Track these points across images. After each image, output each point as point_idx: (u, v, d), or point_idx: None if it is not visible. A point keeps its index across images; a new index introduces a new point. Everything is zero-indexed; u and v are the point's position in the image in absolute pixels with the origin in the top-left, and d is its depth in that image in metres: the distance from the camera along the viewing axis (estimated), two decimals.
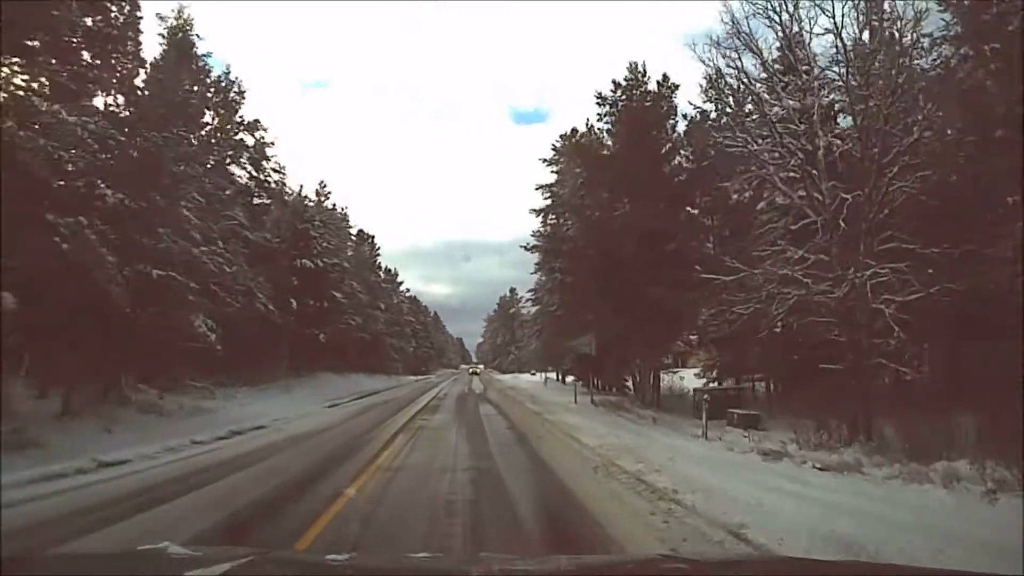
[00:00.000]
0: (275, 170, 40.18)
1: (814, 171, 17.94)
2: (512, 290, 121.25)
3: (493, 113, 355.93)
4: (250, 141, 38.84)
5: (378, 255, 65.95)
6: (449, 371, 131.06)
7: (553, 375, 65.70)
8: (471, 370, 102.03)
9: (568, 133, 48.63)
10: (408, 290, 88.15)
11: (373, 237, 66.01)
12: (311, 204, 46.14)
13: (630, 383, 41.53)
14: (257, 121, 39.09)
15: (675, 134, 32.53)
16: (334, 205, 59.40)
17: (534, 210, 50.30)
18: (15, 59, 15.45)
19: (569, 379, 56.16)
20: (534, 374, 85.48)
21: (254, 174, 39.45)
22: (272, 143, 40.01)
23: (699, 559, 4.41)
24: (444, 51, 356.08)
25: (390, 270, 77.81)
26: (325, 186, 54.84)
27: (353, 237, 63.99)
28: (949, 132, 18.26)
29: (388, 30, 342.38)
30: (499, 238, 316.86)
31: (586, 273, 31.53)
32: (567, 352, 42.98)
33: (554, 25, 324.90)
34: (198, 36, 32.72)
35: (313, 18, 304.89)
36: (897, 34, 17.22)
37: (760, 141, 19.21)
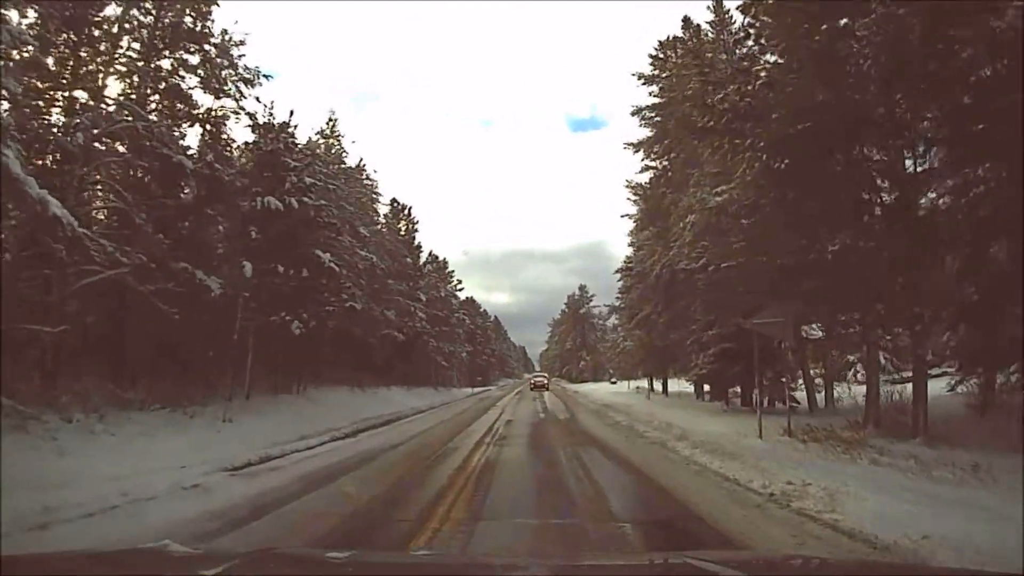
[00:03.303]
0: (245, 80, 25.08)
1: None
2: (582, 287, 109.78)
3: (549, 122, 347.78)
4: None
5: (416, 231, 50.73)
6: (511, 381, 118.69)
7: (644, 383, 51.68)
8: (533, 380, 78.36)
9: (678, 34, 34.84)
10: (461, 285, 72.18)
11: (409, 208, 50.76)
12: (308, 144, 30.97)
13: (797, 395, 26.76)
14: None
15: None
16: (360, 162, 44.73)
17: (630, 144, 38.72)
18: None
19: (676, 388, 42.45)
20: (614, 382, 71.85)
21: (213, 83, 24.46)
22: (242, 41, 24.94)
23: (702, 559, 3.31)
24: (499, 61, 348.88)
25: (437, 257, 62.38)
26: (334, 124, 40.07)
27: (386, 212, 49.25)
28: None
29: (438, 42, 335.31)
30: (558, 247, 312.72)
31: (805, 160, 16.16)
32: (707, 344, 27.85)
33: (608, 30, 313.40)
34: None
35: (365, 31, 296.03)
36: None
37: None
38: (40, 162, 18.27)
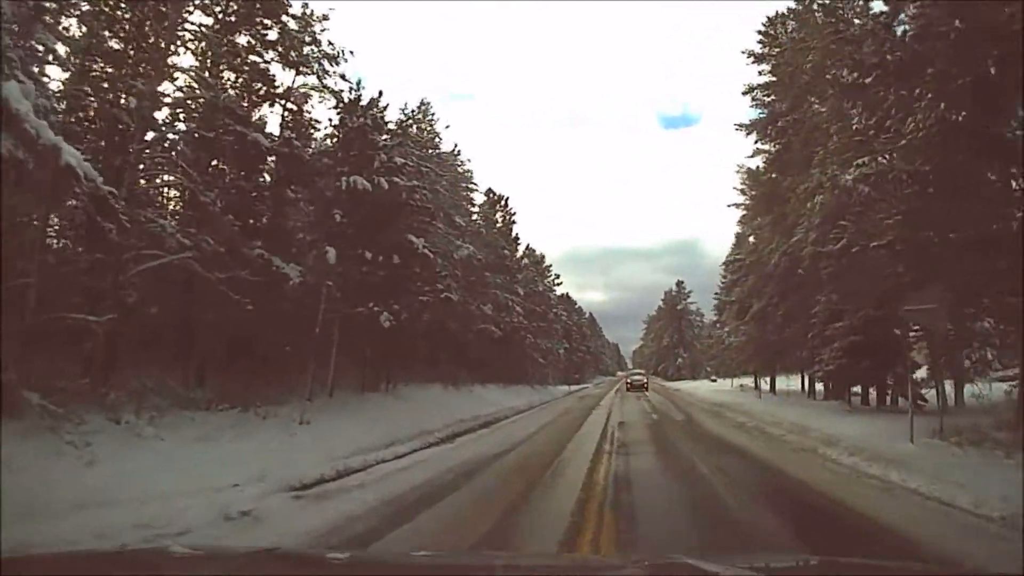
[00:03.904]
0: (329, 56, 22.67)
1: None
2: (680, 283, 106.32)
3: (639, 120, 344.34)
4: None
5: (514, 223, 48.04)
6: (606, 379, 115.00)
7: (747, 381, 49.56)
8: (630, 379, 64.77)
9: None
10: (560, 279, 69.02)
11: (506, 199, 48.07)
12: (400, 124, 28.47)
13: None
14: None
15: None
16: (455, 148, 42.46)
17: (741, 125, 35.61)
18: None
19: (781, 386, 39.93)
20: (714, 380, 69.14)
21: (292, 56, 22.13)
22: (325, 16, 22.44)
23: (704, 559, 3.24)
24: (589, 60, 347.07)
25: (534, 250, 59.26)
26: (427, 108, 37.67)
27: (482, 202, 46.80)
28: None
29: (531, 43, 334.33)
30: (651, 244, 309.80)
31: None
32: (831, 338, 24.34)
33: (699, 25, 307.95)
34: None
35: (459, 34, 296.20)
36: None
37: None
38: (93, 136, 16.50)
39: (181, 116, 18.87)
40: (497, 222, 46.75)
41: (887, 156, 18.80)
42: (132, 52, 17.00)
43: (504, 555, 4.37)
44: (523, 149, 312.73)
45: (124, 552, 3.67)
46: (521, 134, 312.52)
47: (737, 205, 42.79)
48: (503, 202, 47.79)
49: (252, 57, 20.94)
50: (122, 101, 16.16)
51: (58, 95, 15.52)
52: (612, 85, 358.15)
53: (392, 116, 28.82)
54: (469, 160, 45.91)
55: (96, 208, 14.24)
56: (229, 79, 20.95)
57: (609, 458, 13.79)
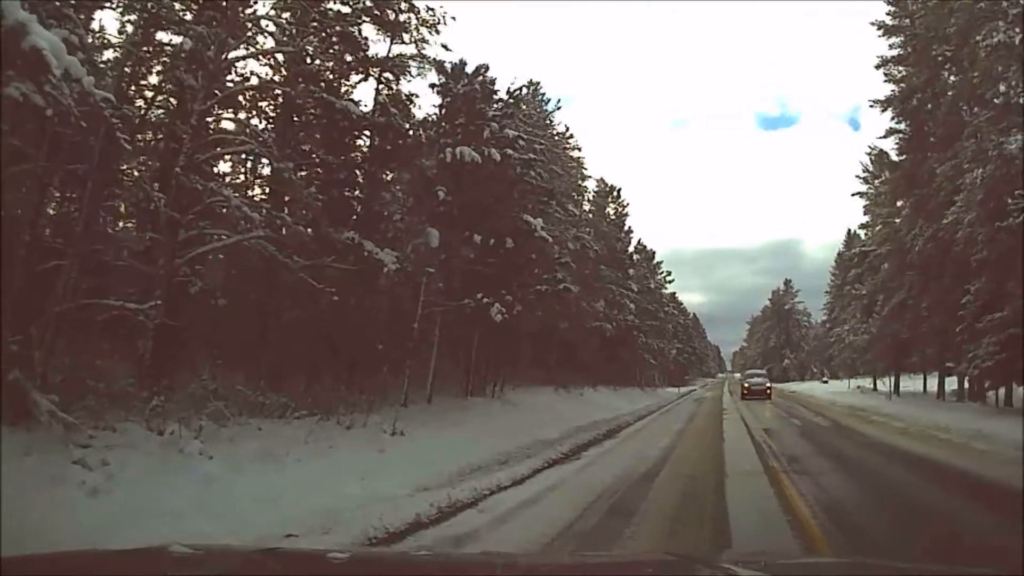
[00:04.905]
0: (428, 23, 20.07)
1: None
2: (787, 282, 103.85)
3: (738, 121, 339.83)
4: None
5: (626, 216, 45.17)
6: (711, 380, 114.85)
7: (863, 382, 47.68)
8: (747, 382, 48.90)
9: None
10: (671, 276, 65.54)
11: (619, 190, 45.43)
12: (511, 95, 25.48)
13: None
14: None
15: None
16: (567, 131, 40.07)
17: (876, 101, 32.26)
18: None
19: (907, 387, 38.13)
20: (826, 381, 67.73)
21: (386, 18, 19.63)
22: None
23: (705, 559, 3.45)
24: (688, 63, 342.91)
25: (645, 246, 55.13)
26: (536, 88, 35.01)
27: (594, 192, 44.40)
28: None
29: (630, 45, 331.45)
30: (749, 245, 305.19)
31: None
32: (983, 331, 22.14)
33: (799, 25, 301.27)
34: None
35: (560, 38, 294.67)
36: None
37: None
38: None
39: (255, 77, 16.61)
40: (609, 214, 44.25)
41: None
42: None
43: (504, 555, 4.18)
44: (623, 152, 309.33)
45: (124, 552, 3.08)
46: (621, 137, 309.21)
47: (861, 194, 41.58)
48: (615, 193, 45.22)
49: (341, 25, 18.54)
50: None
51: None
52: (711, 87, 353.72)
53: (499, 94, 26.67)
54: (580, 148, 43.26)
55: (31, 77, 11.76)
56: (316, 47, 18.72)
57: (790, 479, 10.51)
